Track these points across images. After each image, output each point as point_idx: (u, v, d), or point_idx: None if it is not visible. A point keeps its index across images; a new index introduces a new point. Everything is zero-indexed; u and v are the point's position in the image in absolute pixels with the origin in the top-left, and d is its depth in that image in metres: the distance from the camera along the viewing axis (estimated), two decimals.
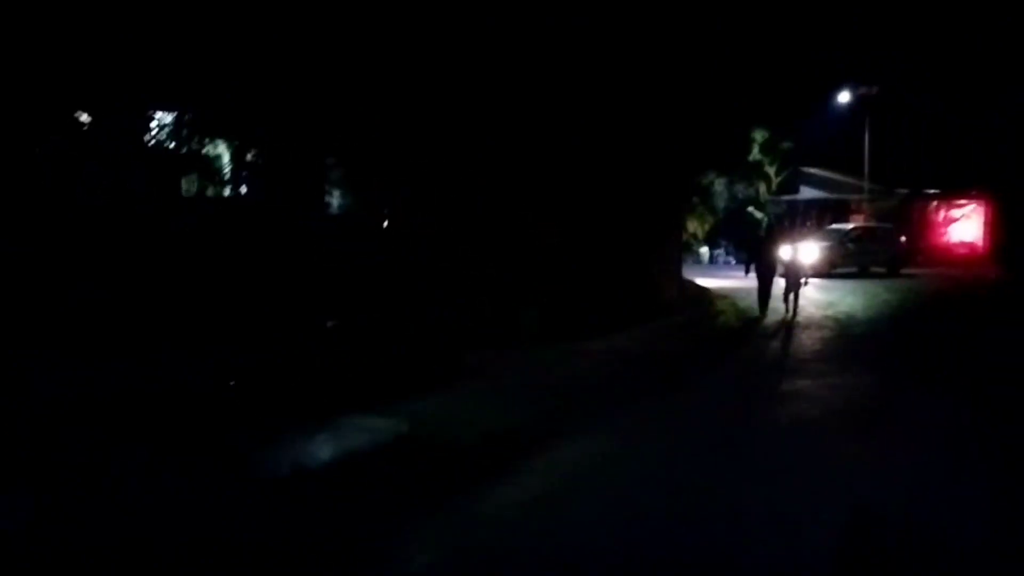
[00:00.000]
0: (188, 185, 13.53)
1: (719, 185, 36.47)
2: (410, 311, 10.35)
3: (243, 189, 14.80)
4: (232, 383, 8.35)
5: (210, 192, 13.45)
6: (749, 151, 37.11)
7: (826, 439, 8.38)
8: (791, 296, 18.05)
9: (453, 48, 11.33)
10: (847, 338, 15.47)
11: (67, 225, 8.55)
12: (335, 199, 16.49)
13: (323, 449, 7.59)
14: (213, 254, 9.33)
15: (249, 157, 13.30)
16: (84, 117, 11.29)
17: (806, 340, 15.05)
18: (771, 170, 38.84)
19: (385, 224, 12.41)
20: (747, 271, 19.42)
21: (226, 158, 14.52)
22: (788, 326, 16.76)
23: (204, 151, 13.37)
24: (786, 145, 38.15)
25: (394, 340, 10.02)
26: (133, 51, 10.55)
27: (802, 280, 18.44)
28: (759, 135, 36.91)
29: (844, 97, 38.26)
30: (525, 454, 7.62)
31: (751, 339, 15.71)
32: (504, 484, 6.84)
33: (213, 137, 13.39)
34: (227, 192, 14.44)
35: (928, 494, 6.50)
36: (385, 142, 11.38)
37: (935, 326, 17.65)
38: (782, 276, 18.44)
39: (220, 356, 8.45)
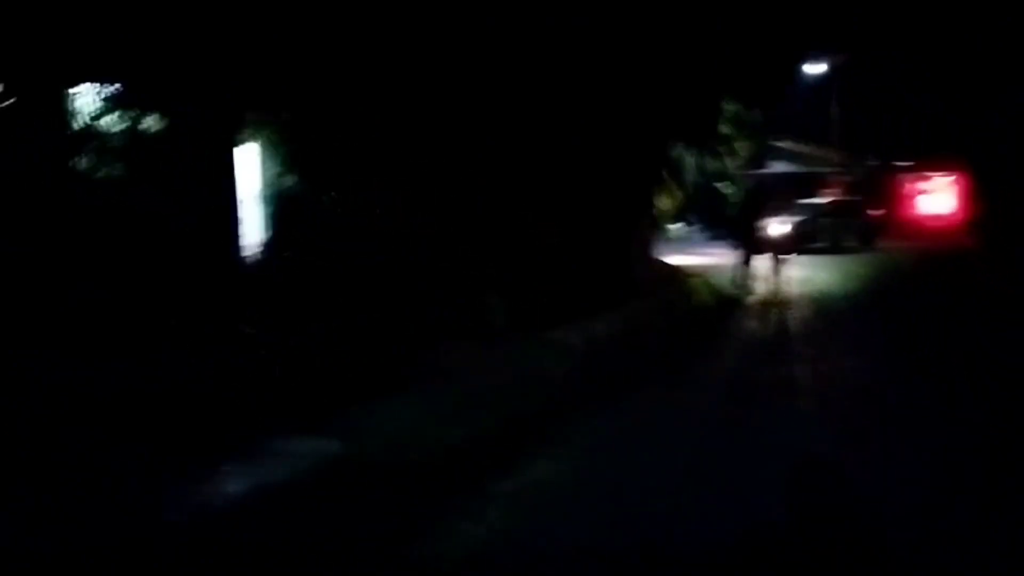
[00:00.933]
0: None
1: (688, 160, 36.40)
2: (409, 311, 10.31)
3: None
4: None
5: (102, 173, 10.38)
6: (719, 123, 37.06)
7: (827, 436, 8.31)
8: (773, 273, 18.04)
9: (453, 48, 11.22)
10: (833, 319, 15.54)
11: (67, 225, 8.44)
12: None
13: (308, 449, 7.53)
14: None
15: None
16: None
17: (791, 322, 15.05)
18: (740, 144, 38.90)
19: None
20: (735, 248, 19.10)
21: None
22: (770, 306, 16.73)
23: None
24: (755, 118, 38.18)
25: (390, 340, 9.97)
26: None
27: (782, 257, 18.43)
28: (728, 107, 36.88)
29: (812, 67, 38.16)
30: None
31: (732, 323, 15.58)
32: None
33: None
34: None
35: (931, 487, 6.54)
36: (385, 142, 11.24)
37: (920, 303, 17.53)
38: (761, 252, 18.43)
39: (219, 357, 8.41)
